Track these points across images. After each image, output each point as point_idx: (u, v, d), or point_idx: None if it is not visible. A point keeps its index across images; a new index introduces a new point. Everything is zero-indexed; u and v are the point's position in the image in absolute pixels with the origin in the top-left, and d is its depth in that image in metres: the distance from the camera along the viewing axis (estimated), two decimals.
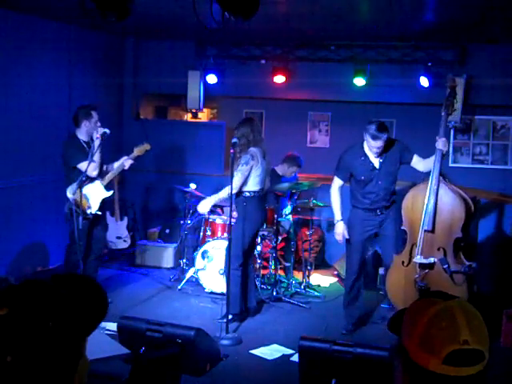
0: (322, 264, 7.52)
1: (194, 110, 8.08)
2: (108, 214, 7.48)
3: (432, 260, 4.87)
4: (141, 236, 7.95)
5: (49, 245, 6.98)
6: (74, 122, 5.77)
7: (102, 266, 6.95)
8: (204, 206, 5.57)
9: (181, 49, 8.04)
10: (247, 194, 5.45)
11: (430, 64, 7.11)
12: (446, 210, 4.86)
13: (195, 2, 3.71)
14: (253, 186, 5.43)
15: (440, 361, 1.26)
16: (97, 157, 5.47)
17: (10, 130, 6.30)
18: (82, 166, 5.40)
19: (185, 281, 6.45)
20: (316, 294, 6.43)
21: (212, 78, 7.81)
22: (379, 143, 5.02)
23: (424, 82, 7.08)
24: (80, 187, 5.17)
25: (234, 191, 5.23)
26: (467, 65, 7.08)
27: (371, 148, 5.10)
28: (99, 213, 5.67)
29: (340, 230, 5.31)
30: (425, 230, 4.93)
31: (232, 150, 5.22)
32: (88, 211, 5.56)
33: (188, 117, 8.92)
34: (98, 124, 5.62)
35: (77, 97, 7.26)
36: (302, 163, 6.93)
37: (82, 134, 5.69)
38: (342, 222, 5.32)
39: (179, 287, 6.40)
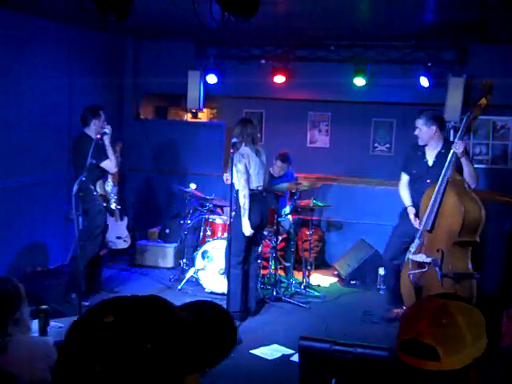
0: (322, 264, 7.52)
1: (194, 110, 8.08)
2: (108, 214, 7.48)
3: (424, 259, 4.89)
4: (141, 236, 7.94)
5: (49, 245, 6.98)
6: (81, 122, 5.89)
7: (103, 265, 6.97)
8: (247, 228, 5.46)
9: (181, 49, 8.04)
10: None
11: (430, 64, 7.11)
12: (448, 213, 4.84)
13: (195, 2, 3.71)
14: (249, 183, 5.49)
15: (398, 346, 1.33)
16: (111, 154, 5.78)
17: (10, 129, 6.30)
18: (106, 164, 5.77)
19: (185, 281, 6.45)
20: (316, 293, 6.43)
21: (212, 78, 7.80)
22: (416, 123, 5.11)
23: (424, 82, 7.07)
24: (100, 182, 5.60)
25: (246, 191, 5.36)
26: (467, 65, 7.07)
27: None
28: (119, 207, 6.29)
29: (411, 216, 5.32)
30: (426, 230, 4.93)
31: (232, 150, 5.24)
32: (111, 206, 6.13)
33: (188, 117, 8.92)
34: (105, 123, 5.84)
35: (77, 97, 7.26)
36: (291, 161, 6.93)
37: (91, 133, 5.79)
38: (411, 207, 5.35)
39: (179, 287, 6.40)
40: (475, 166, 7.62)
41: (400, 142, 8.05)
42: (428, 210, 4.92)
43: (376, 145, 8.45)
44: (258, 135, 5.68)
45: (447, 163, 4.87)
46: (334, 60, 7.56)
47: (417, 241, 5.04)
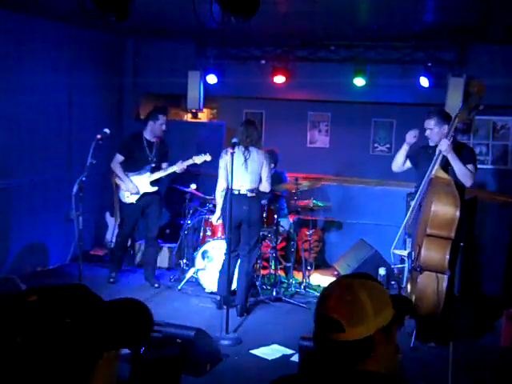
0: (322, 264, 7.52)
1: (193, 110, 8.08)
2: (108, 214, 7.49)
3: (399, 252, 4.98)
4: (141, 236, 7.94)
5: (49, 245, 6.99)
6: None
7: (101, 266, 6.98)
8: (214, 218, 6.10)
9: (181, 49, 8.04)
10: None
11: (429, 64, 7.10)
12: (426, 210, 4.85)
13: (195, 2, 3.71)
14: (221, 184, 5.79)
15: (314, 322, 1.56)
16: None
17: (11, 129, 6.30)
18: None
19: (185, 281, 6.45)
20: (316, 294, 6.43)
21: (212, 78, 7.81)
22: (426, 125, 5.08)
23: (424, 82, 7.07)
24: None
25: (218, 186, 5.82)
26: (467, 65, 7.07)
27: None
28: (134, 202, 6.37)
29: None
30: (407, 225, 5.01)
31: (232, 150, 5.24)
32: (127, 198, 6.33)
33: (188, 117, 8.92)
34: (163, 127, 6.35)
35: (77, 97, 7.27)
36: (277, 159, 6.89)
37: (146, 133, 6.37)
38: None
39: (179, 287, 6.40)
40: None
41: (400, 143, 7.99)
42: (411, 208, 5.00)
43: (376, 145, 8.45)
44: (257, 138, 5.72)
45: (432, 162, 4.87)
46: (334, 60, 7.56)
47: (408, 238, 5.10)
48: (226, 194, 5.69)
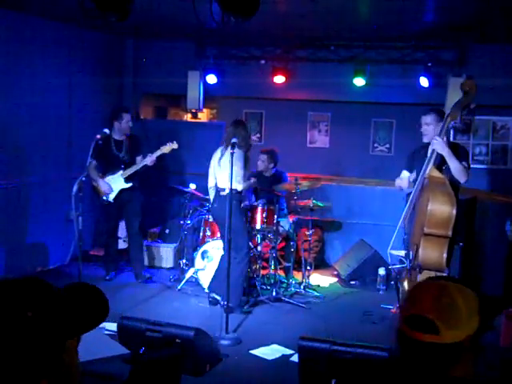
0: (321, 264, 7.52)
1: (193, 110, 8.09)
2: None
3: (396, 253, 4.98)
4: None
5: (49, 245, 6.99)
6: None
7: (101, 266, 6.97)
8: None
9: (181, 49, 8.05)
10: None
11: (429, 64, 7.11)
12: (421, 210, 4.86)
13: (195, 2, 3.72)
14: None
15: (402, 321, 1.52)
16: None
17: (11, 130, 6.30)
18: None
19: (184, 281, 6.45)
20: (316, 294, 6.43)
21: (212, 78, 7.81)
22: (423, 120, 5.09)
23: (424, 82, 7.08)
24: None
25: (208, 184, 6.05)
26: (467, 65, 7.08)
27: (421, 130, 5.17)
28: (111, 201, 6.43)
29: (404, 175, 5.33)
30: (404, 225, 5.02)
31: (232, 151, 5.23)
32: (104, 198, 6.41)
33: (188, 117, 8.93)
34: (130, 124, 6.46)
35: (77, 97, 7.27)
36: (276, 158, 6.91)
37: (114, 134, 6.42)
38: (405, 172, 5.35)
39: (179, 287, 6.40)
40: (475, 166, 7.72)
41: (400, 143, 8.07)
42: (406, 208, 5.01)
43: (376, 145, 8.46)
44: (233, 137, 5.43)
45: (426, 162, 4.89)
46: (334, 60, 7.57)
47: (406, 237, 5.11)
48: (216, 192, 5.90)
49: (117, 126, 6.39)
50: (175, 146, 6.45)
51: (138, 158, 6.50)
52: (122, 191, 6.45)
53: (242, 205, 6.01)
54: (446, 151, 4.84)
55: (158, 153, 6.40)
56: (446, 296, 1.50)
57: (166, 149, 6.43)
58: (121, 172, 6.42)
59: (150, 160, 6.36)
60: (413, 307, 1.52)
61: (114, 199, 6.45)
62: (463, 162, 4.93)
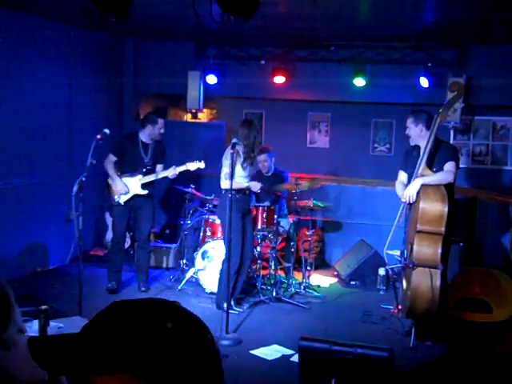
0: (321, 264, 7.52)
1: (193, 111, 8.08)
2: (108, 214, 7.48)
3: (392, 252, 4.99)
4: None
5: (49, 245, 6.99)
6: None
7: (101, 266, 6.97)
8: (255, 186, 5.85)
9: (181, 49, 8.04)
10: None
11: (429, 64, 7.11)
12: (414, 209, 4.90)
13: (195, 2, 3.72)
14: None
15: (452, 305, 1.65)
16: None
17: (10, 130, 6.30)
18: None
19: (185, 281, 6.45)
20: (316, 294, 6.43)
21: (212, 79, 7.81)
22: (406, 123, 5.18)
23: (424, 82, 7.08)
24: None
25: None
26: (467, 65, 7.08)
27: None
28: (122, 203, 6.19)
29: (400, 178, 5.35)
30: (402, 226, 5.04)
31: (232, 151, 5.21)
32: (116, 198, 6.15)
33: (188, 117, 8.92)
34: (162, 131, 6.20)
35: (77, 97, 7.27)
36: (271, 153, 6.88)
37: (143, 136, 6.22)
38: (402, 173, 5.37)
39: (179, 287, 6.40)
40: (475, 166, 7.72)
41: (400, 143, 8.05)
42: (400, 208, 5.07)
43: (376, 145, 8.46)
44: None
45: (418, 162, 4.93)
46: (334, 60, 7.57)
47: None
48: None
49: (149, 130, 6.11)
50: (202, 165, 6.18)
51: (159, 166, 6.25)
52: (135, 196, 6.18)
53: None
54: (422, 181, 4.86)
55: (183, 168, 6.12)
56: (492, 278, 1.67)
57: (192, 166, 6.15)
58: (140, 176, 6.13)
59: (172, 173, 6.09)
60: (461, 291, 1.66)
61: (125, 203, 6.18)
62: (451, 162, 4.98)
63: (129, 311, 1.07)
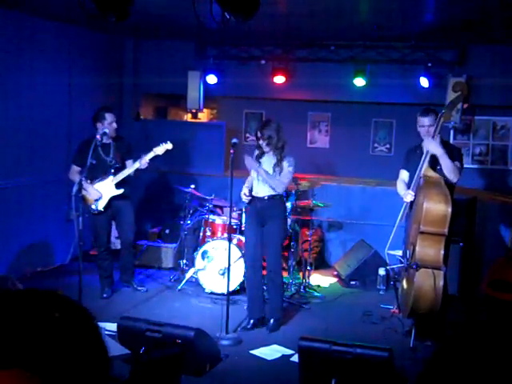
0: (321, 264, 7.52)
1: (193, 111, 8.08)
2: None
3: (393, 253, 4.99)
4: (141, 236, 7.94)
5: (49, 245, 6.98)
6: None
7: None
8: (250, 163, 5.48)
9: (181, 49, 8.05)
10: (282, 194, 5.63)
11: (429, 64, 7.11)
12: (417, 209, 4.89)
13: (195, 2, 3.72)
14: None
15: (488, 286, 1.63)
16: None
17: (10, 130, 6.30)
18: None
19: (185, 281, 6.45)
20: (316, 294, 6.43)
21: (212, 79, 7.81)
22: (422, 122, 5.07)
23: (424, 82, 7.08)
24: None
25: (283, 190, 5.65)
26: (467, 65, 7.08)
27: (420, 131, 5.13)
28: (101, 210, 5.95)
29: (402, 176, 5.35)
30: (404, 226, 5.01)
31: (232, 151, 5.20)
32: (93, 207, 5.93)
33: (188, 117, 8.93)
34: (114, 125, 5.96)
35: (77, 97, 7.27)
36: None
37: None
38: (404, 171, 5.36)
39: (179, 287, 6.40)
40: (475, 166, 7.72)
41: (400, 143, 8.06)
42: (402, 208, 5.05)
43: (376, 145, 8.46)
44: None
45: (421, 162, 4.91)
46: (334, 60, 7.57)
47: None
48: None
49: (100, 128, 5.83)
50: (169, 146, 5.99)
51: (129, 162, 6.05)
52: (112, 199, 5.98)
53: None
54: (439, 151, 4.87)
55: (151, 155, 5.93)
56: None
57: (160, 150, 5.97)
58: (111, 177, 5.93)
59: (142, 163, 5.88)
60: (495, 274, 1.89)
61: (105, 208, 5.97)
62: (456, 162, 4.97)
63: (13, 302, 1.07)
